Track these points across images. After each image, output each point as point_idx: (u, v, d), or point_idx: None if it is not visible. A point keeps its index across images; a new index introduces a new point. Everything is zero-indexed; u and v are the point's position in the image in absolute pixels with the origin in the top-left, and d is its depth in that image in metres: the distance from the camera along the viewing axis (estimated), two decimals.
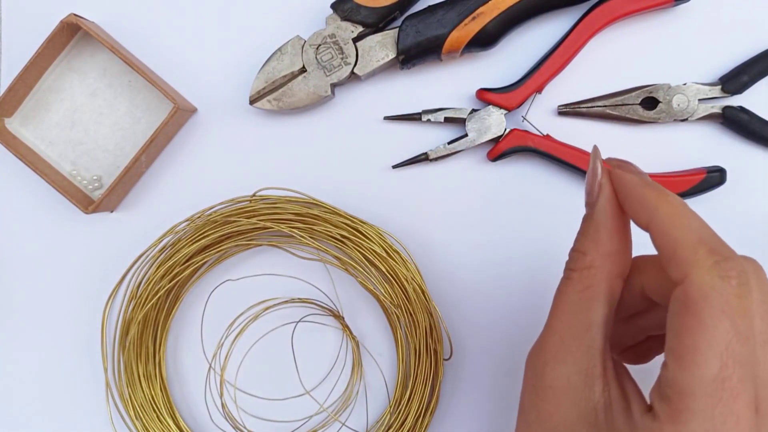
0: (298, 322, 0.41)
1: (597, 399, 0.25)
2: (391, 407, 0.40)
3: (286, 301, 0.41)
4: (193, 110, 0.41)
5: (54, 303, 0.42)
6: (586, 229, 0.28)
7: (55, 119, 0.40)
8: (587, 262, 0.27)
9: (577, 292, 0.27)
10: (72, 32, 0.39)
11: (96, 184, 0.40)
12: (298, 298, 0.41)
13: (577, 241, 0.28)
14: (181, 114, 0.38)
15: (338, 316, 0.41)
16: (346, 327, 0.41)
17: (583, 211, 0.40)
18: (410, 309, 0.39)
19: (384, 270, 0.39)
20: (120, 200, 0.41)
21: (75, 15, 0.38)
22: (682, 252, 0.23)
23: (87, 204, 0.39)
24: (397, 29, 0.38)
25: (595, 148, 0.29)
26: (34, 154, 0.40)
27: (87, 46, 0.40)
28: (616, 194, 0.27)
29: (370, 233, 0.39)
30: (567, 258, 0.29)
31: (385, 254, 0.38)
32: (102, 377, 0.41)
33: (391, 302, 0.39)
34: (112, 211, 0.41)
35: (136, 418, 0.40)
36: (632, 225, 0.28)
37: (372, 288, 0.40)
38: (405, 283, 0.39)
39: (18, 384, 0.42)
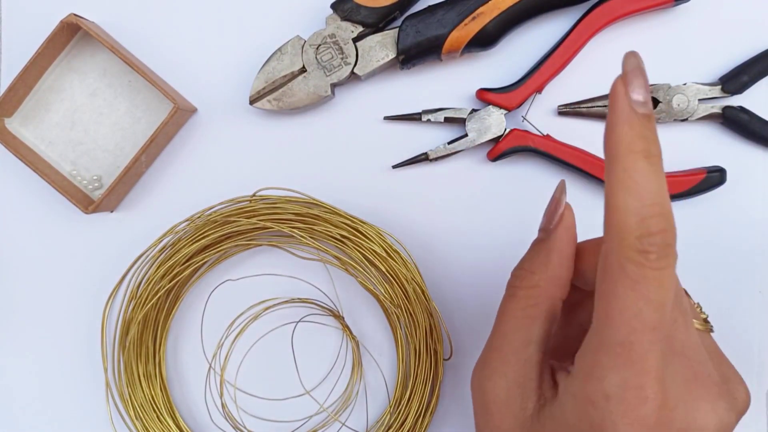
0: (298, 322, 0.41)
1: (532, 409, 0.27)
2: (391, 407, 0.40)
3: (286, 301, 0.41)
4: (193, 110, 0.41)
5: (54, 303, 0.42)
6: (538, 251, 0.29)
7: (55, 119, 0.40)
8: (534, 281, 0.28)
9: (521, 309, 0.28)
10: (72, 32, 0.39)
11: (96, 184, 0.40)
12: (298, 298, 0.41)
13: (525, 260, 0.29)
14: (181, 114, 0.38)
15: (338, 316, 0.41)
16: (346, 327, 0.41)
17: (582, 211, 0.40)
18: (410, 309, 0.39)
19: (384, 270, 0.39)
20: (120, 200, 0.41)
21: (75, 15, 0.38)
22: (613, 221, 0.23)
23: (87, 204, 0.39)
24: (397, 29, 0.38)
25: (562, 182, 0.30)
26: (34, 154, 0.40)
27: (87, 46, 0.40)
28: (574, 225, 0.28)
29: (370, 233, 0.39)
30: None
31: (385, 254, 0.38)
32: (102, 377, 0.41)
33: (391, 302, 0.39)
34: (112, 211, 0.41)
35: (136, 418, 0.40)
36: None
37: (372, 288, 0.40)
38: (405, 283, 0.39)
39: (18, 384, 0.42)
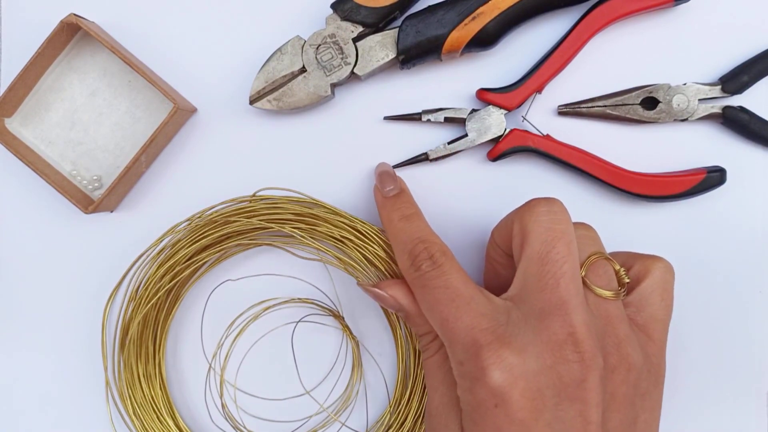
0: (298, 322, 0.41)
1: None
2: (391, 407, 0.40)
3: (286, 301, 0.41)
4: (193, 110, 0.41)
5: (54, 303, 0.42)
6: (415, 322, 0.34)
7: (55, 119, 0.40)
8: (433, 336, 0.34)
9: (438, 364, 0.33)
10: (72, 32, 0.39)
11: (96, 184, 0.40)
12: (298, 298, 0.41)
13: (417, 329, 0.34)
14: (181, 114, 0.38)
15: (338, 316, 0.41)
16: (346, 327, 0.41)
17: (582, 211, 0.41)
18: None
19: (384, 270, 0.39)
20: (120, 200, 0.41)
21: (75, 15, 0.38)
22: (398, 260, 0.35)
23: (87, 204, 0.39)
24: (397, 29, 0.38)
25: (358, 283, 0.37)
26: (34, 154, 0.40)
27: (87, 46, 0.40)
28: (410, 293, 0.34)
29: (370, 233, 0.39)
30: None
31: (385, 254, 0.38)
32: (102, 377, 0.41)
33: None
34: (112, 211, 0.41)
35: (136, 418, 0.40)
36: None
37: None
38: None
39: (18, 383, 0.42)
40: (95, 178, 0.40)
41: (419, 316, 0.34)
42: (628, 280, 0.32)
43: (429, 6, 0.38)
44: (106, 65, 0.40)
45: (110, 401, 0.41)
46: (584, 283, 0.31)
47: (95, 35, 0.37)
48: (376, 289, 0.35)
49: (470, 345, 0.29)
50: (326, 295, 0.41)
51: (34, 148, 0.40)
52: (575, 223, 0.32)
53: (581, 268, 0.31)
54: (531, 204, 0.32)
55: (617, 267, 0.32)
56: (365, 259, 0.39)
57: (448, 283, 0.31)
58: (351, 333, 0.41)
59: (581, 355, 0.28)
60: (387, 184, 0.37)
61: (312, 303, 0.41)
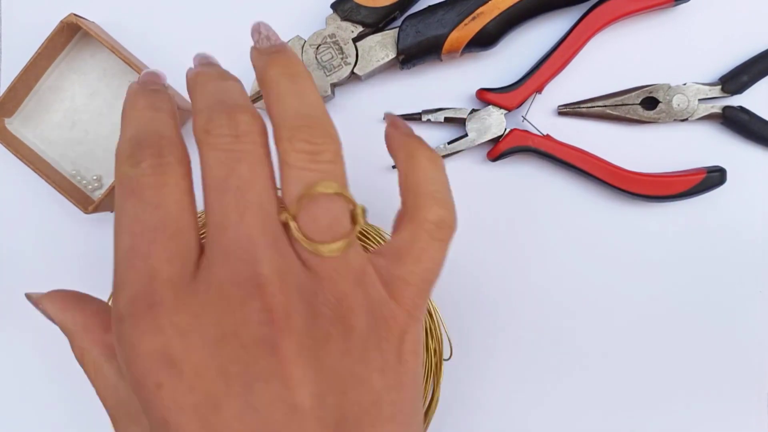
0: None
1: None
2: None
3: None
4: None
5: None
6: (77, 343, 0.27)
7: (55, 119, 0.40)
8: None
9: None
10: (72, 32, 0.39)
11: (96, 184, 0.40)
12: None
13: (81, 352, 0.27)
14: (181, 114, 0.38)
15: None
16: None
17: (583, 211, 0.40)
18: None
19: None
20: None
21: (75, 15, 0.38)
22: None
23: (87, 204, 0.39)
24: (397, 29, 0.38)
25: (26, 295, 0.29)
26: (34, 155, 0.40)
27: (87, 46, 0.40)
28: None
29: (370, 233, 0.39)
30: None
31: None
32: None
33: None
34: (112, 211, 0.41)
35: None
36: None
37: None
38: None
39: (18, 383, 0.42)
40: (95, 178, 0.40)
41: (84, 333, 0.26)
42: (363, 223, 0.24)
43: (429, 6, 0.38)
44: (106, 65, 0.40)
45: None
46: (286, 227, 0.22)
47: (95, 35, 0.37)
48: (33, 300, 0.27)
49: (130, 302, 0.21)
50: None
51: (35, 149, 0.40)
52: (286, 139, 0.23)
53: (291, 207, 0.22)
54: (206, 115, 0.23)
55: (353, 206, 0.24)
56: None
57: (161, 199, 0.22)
58: None
59: (269, 314, 0.21)
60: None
61: None
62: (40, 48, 0.38)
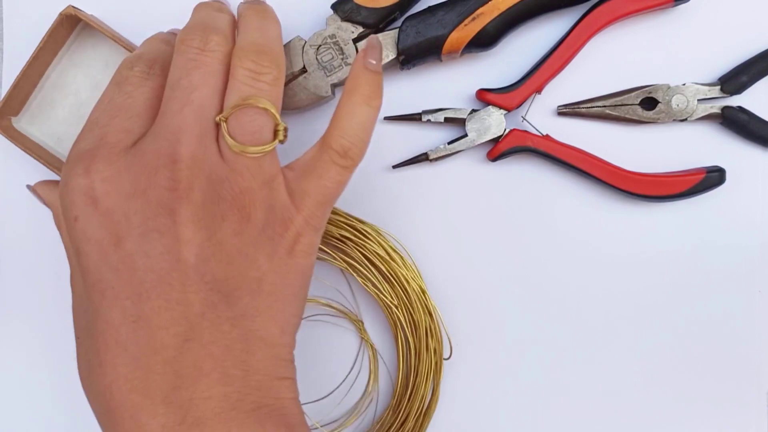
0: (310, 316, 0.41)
1: None
2: (391, 407, 0.40)
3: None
4: None
5: (55, 303, 0.42)
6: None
7: (62, 115, 0.40)
8: None
9: None
10: (72, 25, 0.39)
11: None
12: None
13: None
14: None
15: (356, 320, 0.41)
16: (364, 332, 0.41)
17: (583, 211, 0.41)
18: (410, 309, 0.39)
19: (384, 270, 0.39)
20: None
21: (73, 7, 0.38)
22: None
23: None
24: (397, 30, 0.38)
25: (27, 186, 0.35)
26: (44, 152, 0.39)
27: (88, 38, 0.40)
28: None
29: (370, 233, 0.39)
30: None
31: (385, 254, 0.38)
32: None
33: (391, 302, 0.39)
34: None
35: None
36: None
37: (372, 288, 0.40)
38: (405, 283, 0.39)
39: (18, 383, 0.42)
40: None
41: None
42: (282, 139, 0.30)
43: (429, 7, 0.38)
44: (109, 57, 0.40)
45: None
46: (217, 126, 0.28)
47: (96, 26, 0.37)
48: (31, 188, 0.34)
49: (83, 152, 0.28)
50: (344, 295, 0.41)
51: (44, 146, 0.40)
52: (256, 61, 0.29)
53: (224, 111, 0.28)
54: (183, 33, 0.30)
55: (277, 123, 0.29)
56: (365, 259, 0.39)
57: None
58: (369, 340, 0.41)
59: (175, 183, 0.26)
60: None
61: (327, 305, 0.41)
62: (41, 43, 0.37)
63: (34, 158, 0.38)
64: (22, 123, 0.40)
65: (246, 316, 0.27)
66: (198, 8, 0.33)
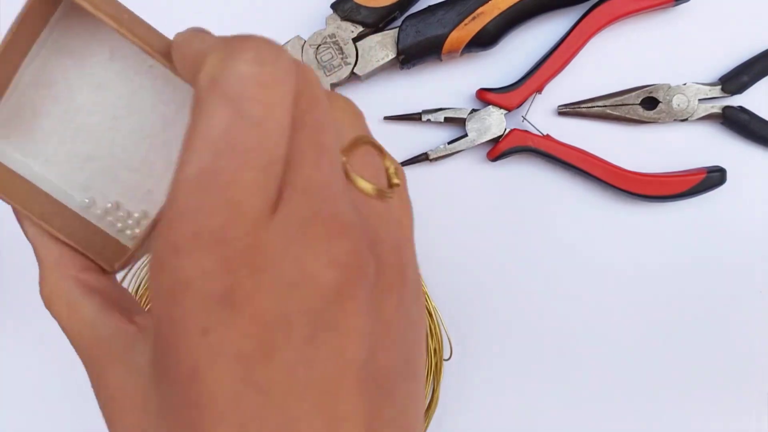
0: None
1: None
2: None
3: None
4: None
5: None
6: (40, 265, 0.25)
7: (48, 126, 0.26)
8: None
9: None
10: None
11: (120, 215, 0.26)
12: None
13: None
14: None
15: None
16: None
17: (583, 211, 0.40)
18: None
19: None
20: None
21: None
22: (193, 53, 0.19)
23: (113, 255, 0.24)
24: (397, 29, 0.38)
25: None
26: (21, 185, 0.25)
27: (84, 16, 0.24)
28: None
29: None
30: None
31: None
32: None
33: None
34: (143, 259, 0.31)
35: None
36: None
37: None
38: None
39: (18, 382, 0.42)
40: (116, 206, 0.26)
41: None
42: (397, 182, 0.22)
43: (429, 6, 0.38)
44: (114, 43, 0.25)
45: None
46: (345, 171, 0.20)
47: (89, 3, 0.21)
48: (18, 216, 0.25)
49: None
50: None
51: (26, 171, 0.26)
52: (330, 93, 0.23)
53: (342, 152, 0.21)
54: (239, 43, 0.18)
55: (389, 164, 0.22)
56: None
57: None
58: None
59: (350, 257, 0.18)
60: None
61: None
62: (13, 25, 0.23)
63: (11, 205, 0.24)
64: None
65: (405, 412, 0.21)
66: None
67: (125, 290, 0.25)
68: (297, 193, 0.18)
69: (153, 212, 0.25)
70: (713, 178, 0.39)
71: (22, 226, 0.24)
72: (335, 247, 0.18)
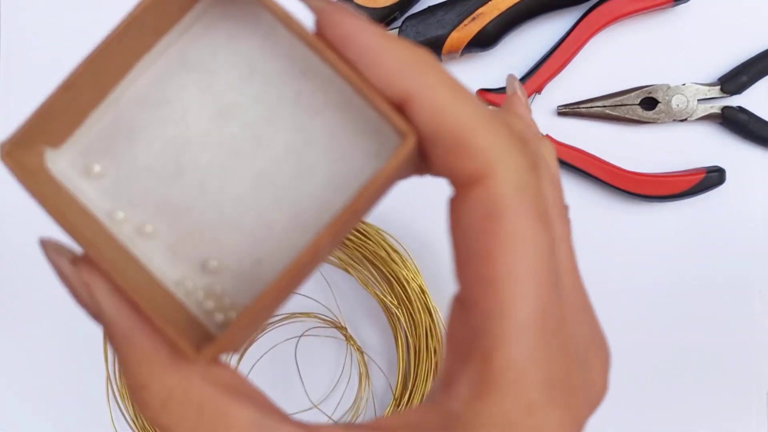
0: (300, 336, 0.41)
1: None
2: (391, 407, 0.40)
3: (287, 317, 0.41)
4: None
5: (56, 301, 0.42)
6: (127, 356, 0.17)
7: (144, 159, 0.19)
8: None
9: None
10: None
11: (210, 296, 0.19)
12: (299, 313, 0.41)
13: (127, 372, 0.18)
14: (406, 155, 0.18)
15: (341, 328, 0.41)
16: (350, 339, 0.41)
17: (583, 211, 0.40)
18: (410, 309, 0.39)
19: (384, 270, 0.39)
20: (258, 329, 0.22)
21: None
22: (476, 133, 0.16)
23: (196, 340, 0.17)
24: (397, 30, 0.38)
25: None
26: (95, 229, 0.19)
27: (222, 21, 0.19)
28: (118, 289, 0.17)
29: (370, 233, 0.39)
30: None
31: (385, 255, 0.38)
32: (103, 377, 0.41)
33: (391, 302, 0.39)
34: (239, 351, 0.25)
35: (137, 418, 0.40)
36: None
37: (372, 288, 0.40)
38: (405, 283, 0.39)
39: (19, 382, 0.42)
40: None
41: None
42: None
43: (429, 7, 0.38)
44: (256, 59, 0.19)
45: (111, 401, 0.41)
46: None
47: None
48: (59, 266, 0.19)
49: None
50: (326, 307, 0.41)
51: (99, 213, 0.19)
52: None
53: None
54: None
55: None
56: (365, 259, 0.39)
57: None
58: (356, 344, 0.41)
59: None
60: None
61: (314, 317, 0.41)
62: (130, 15, 0.17)
63: (68, 233, 0.18)
64: (63, 164, 0.19)
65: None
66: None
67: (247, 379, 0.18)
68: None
69: (256, 290, 0.19)
70: (712, 178, 0.39)
71: (95, 297, 0.18)
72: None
